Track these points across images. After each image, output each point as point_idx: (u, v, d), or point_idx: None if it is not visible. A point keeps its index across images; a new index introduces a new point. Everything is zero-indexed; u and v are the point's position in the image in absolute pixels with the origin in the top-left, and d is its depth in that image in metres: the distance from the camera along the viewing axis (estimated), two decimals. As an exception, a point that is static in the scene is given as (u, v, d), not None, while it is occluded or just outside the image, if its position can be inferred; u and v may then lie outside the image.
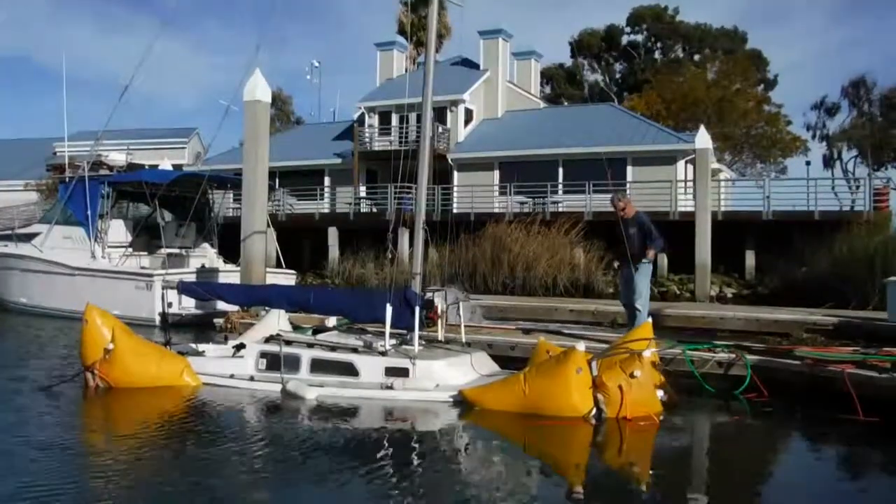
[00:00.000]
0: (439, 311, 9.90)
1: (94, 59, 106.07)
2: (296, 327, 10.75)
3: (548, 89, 55.99)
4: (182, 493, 5.69)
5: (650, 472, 6.80)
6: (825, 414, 8.26)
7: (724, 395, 9.10)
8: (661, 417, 7.89)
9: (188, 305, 15.63)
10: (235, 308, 14.24)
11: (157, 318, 15.48)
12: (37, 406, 8.59)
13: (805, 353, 9.28)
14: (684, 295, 22.73)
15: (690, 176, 28.47)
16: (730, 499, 6.07)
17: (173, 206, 19.77)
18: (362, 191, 34.31)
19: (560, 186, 29.86)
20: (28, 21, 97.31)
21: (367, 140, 35.20)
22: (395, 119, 35.12)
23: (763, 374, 8.99)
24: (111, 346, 9.21)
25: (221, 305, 15.24)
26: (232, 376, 9.50)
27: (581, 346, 7.98)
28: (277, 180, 33.43)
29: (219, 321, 13.74)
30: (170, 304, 11.18)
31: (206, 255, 19.39)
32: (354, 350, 9.28)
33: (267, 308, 11.15)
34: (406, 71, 38.46)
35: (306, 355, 9.29)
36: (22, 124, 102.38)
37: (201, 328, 14.39)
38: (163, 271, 16.51)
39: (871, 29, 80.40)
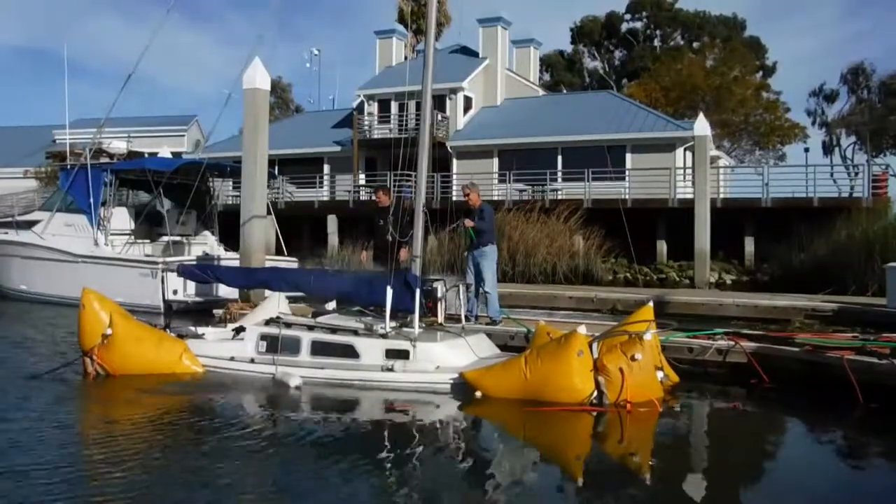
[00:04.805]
0: (439, 295, 9.90)
1: (122, 52, 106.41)
2: None
3: (547, 77, 55.87)
4: (180, 483, 5.66)
5: (651, 458, 6.79)
6: (825, 400, 8.28)
7: (723, 380, 9.13)
8: (662, 403, 7.89)
9: (192, 293, 15.74)
10: (236, 296, 14.25)
11: (162, 306, 15.58)
12: (34, 393, 8.56)
13: (805, 339, 9.29)
14: (683, 282, 22.78)
15: (689, 163, 28.48)
16: (730, 485, 6.08)
17: (174, 193, 19.74)
18: (361, 178, 34.27)
19: (559, 174, 29.85)
20: (55, 13, 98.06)
21: (366, 128, 35.15)
22: (394, 107, 35.05)
23: (763, 361, 9.00)
24: (109, 332, 9.19)
25: (223, 292, 15.30)
26: (232, 359, 9.52)
27: (582, 328, 7.99)
28: (277, 168, 33.41)
29: (218, 311, 13.74)
30: (175, 292, 11.18)
31: (207, 243, 19.39)
32: (355, 332, 9.30)
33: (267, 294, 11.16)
34: (405, 59, 38.38)
35: (306, 338, 9.31)
36: (46, 114, 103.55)
37: (204, 315, 14.38)
38: (164, 259, 16.53)
39: (873, 18, 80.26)
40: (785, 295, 15.40)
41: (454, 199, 28.18)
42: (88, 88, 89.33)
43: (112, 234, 18.35)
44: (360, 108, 36.38)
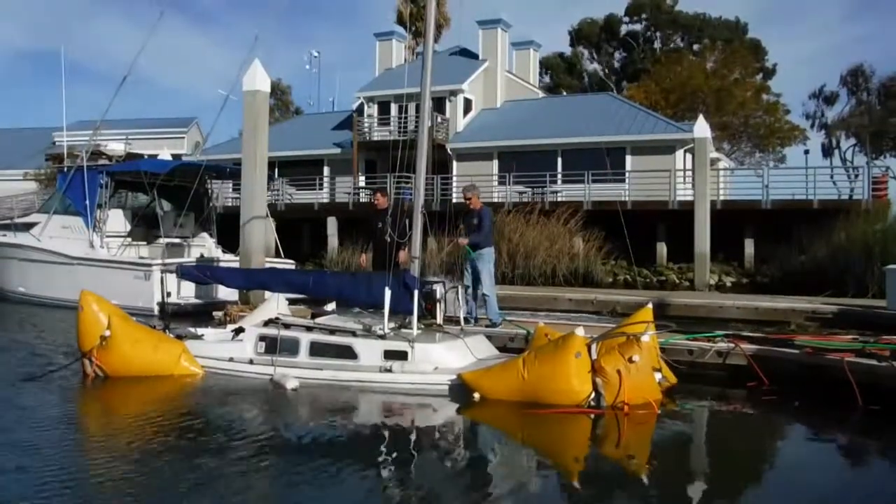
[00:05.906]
0: (437, 296, 9.88)
1: (124, 54, 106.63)
2: None
3: (546, 79, 55.87)
4: (177, 485, 5.63)
5: (649, 461, 6.78)
6: (825, 402, 8.25)
7: (723, 382, 9.10)
8: (660, 405, 7.85)
9: (187, 295, 15.68)
10: (234, 298, 14.22)
11: (156, 308, 15.53)
12: (33, 394, 8.54)
13: (805, 341, 9.26)
14: (683, 284, 22.76)
15: (689, 165, 28.44)
16: (728, 488, 6.06)
17: (172, 195, 19.72)
18: (361, 180, 34.27)
19: (559, 176, 29.83)
20: (59, 16, 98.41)
21: (366, 130, 35.14)
22: (394, 109, 35.03)
23: (763, 363, 8.98)
24: (108, 333, 9.17)
25: (221, 294, 15.25)
26: (231, 360, 9.51)
27: (580, 330, 7.96)
28: (276, 170, 33.40)
29: (218, 314, 13.73)
30: (168, 294, 11.16)
31: (205, 245, 19.37)
32: (353, 333, 9.29)
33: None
34: (405, 61, 38.38)
35: (305, 339, 9.30)
36: (47, 116, 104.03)
37: (200, 317, 14.36)
38: (161, 261, 16.50)
39: (873, 20, 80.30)
40: (785, 297, 15.40)
41: (454, 201, 28.22)
42: (90, 91, 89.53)
43: (108, 237, 18.32)
44: (359, 110, 36.37)
